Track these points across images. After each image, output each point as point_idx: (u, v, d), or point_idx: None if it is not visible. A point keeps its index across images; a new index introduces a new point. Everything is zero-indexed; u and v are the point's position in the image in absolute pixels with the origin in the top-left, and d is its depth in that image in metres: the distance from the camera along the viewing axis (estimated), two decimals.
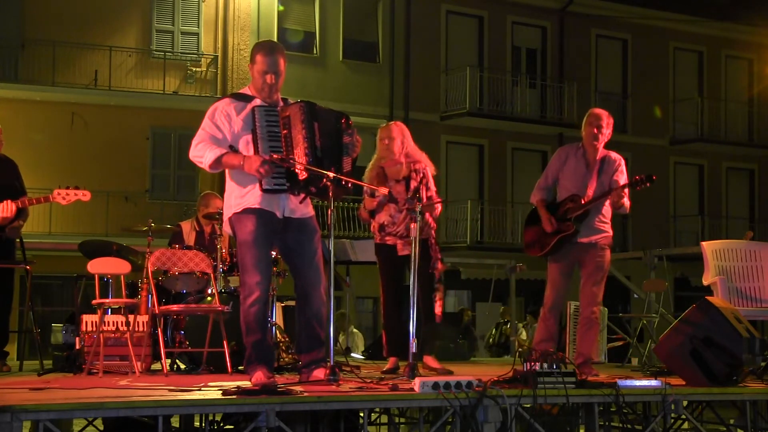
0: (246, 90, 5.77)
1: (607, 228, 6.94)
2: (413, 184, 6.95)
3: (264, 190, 5.49)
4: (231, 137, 5.56)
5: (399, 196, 6.91)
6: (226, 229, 5.79)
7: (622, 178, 6.92)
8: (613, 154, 7.01)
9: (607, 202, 6.88)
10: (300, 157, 5.46)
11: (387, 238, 6.96)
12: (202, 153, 5.53)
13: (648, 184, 6.70)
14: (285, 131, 5.51)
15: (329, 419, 6.38)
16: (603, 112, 6.98)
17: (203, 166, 5.57)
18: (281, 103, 5.70)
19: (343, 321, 12.92)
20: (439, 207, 7.03)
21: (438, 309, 7.00)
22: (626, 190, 6.81)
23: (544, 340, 6.90)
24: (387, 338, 6.99)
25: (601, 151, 6.95)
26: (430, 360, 6.97)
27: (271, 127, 5.52)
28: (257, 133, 5.49)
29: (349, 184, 5.63)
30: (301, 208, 5.67)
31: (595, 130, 6.88)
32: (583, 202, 6.82)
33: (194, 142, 5.60)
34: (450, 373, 6.64)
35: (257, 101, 5.62)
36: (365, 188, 6.88)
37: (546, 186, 7.07)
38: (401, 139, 7.00)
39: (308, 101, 5.66)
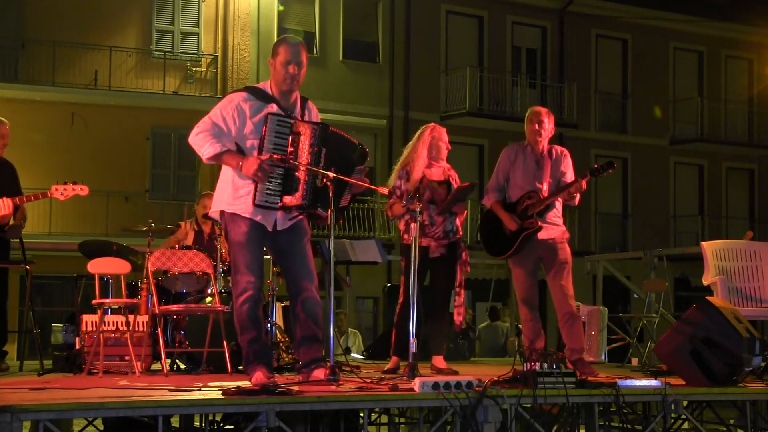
0: (266, 85, 5.64)
1: (562, 224, 6.99)
2: (455, 186, 6.97)
3: (256, 205, 5.46)
4: (237, 136, 5.50)
5: (440, 198, 6.89)
6: (214, 216, 5.76)
7: (570, 169, 6.99)
8: (558, 147, 7.06)
9: (559, 197, 6.92)
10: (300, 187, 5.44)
11: (421, 239, 6.73)
12: (202, 144, 5.47)
13: (610, 171, 6.75)
14: (291, 149, 5.44)
15: (329, 419, 6.38)
16: (542, 109, 7.04)
17: (201, 155, 5.52)
18: (299, 105, 5.63)
19: (340, 322, 12.89)
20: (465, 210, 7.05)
21: (458, 317, 6.98)
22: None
23: (533, 341, 6.90)
24: (397, 338, 6.93)
25: (547, 146, 7.00)
26: (438, 360, 6.96)
27: (279, 140, 5.44)
28: (264, 144, 5.43)
29: (344, 215, 5.61)
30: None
31: (536, 126, 6.94)
32: (543, 196, 6.83)
33: (197, 128, 5.53)
34: (456, 374, 6.60)
35: (273, 106, 5.53)
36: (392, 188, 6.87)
37: (498, 187, 7.05)
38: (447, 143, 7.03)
39: (324, 124, 5.57)
